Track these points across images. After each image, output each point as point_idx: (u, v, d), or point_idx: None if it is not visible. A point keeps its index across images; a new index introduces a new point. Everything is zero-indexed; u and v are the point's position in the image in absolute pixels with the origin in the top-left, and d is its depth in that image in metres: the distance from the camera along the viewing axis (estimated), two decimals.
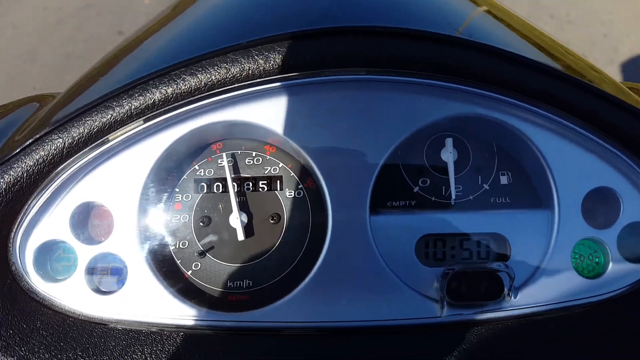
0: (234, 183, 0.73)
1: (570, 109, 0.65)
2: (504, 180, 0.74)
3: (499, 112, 0.69)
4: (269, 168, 0.75)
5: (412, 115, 0.69)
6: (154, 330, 0.68)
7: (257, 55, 0.64)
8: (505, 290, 0.63)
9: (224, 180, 0.74)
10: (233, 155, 0.75)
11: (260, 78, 0.65)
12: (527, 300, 0.67)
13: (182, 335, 0.68)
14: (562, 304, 0.67)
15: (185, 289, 0.71)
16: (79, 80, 0.77)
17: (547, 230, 0.69)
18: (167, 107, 0.65)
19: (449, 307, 0.65)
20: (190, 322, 0.69)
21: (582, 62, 0.80)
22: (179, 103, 0.65)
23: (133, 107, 0.64)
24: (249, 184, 0.74)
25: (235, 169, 0.74)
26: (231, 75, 0.63)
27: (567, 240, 0.69)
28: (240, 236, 0.71)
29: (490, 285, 0.62)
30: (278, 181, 0.74)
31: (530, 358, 0.63)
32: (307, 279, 0.68)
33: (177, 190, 0.74)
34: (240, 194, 0.73)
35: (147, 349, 0.66)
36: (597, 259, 0.71)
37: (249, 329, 0.68)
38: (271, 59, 0.63)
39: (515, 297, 0.66)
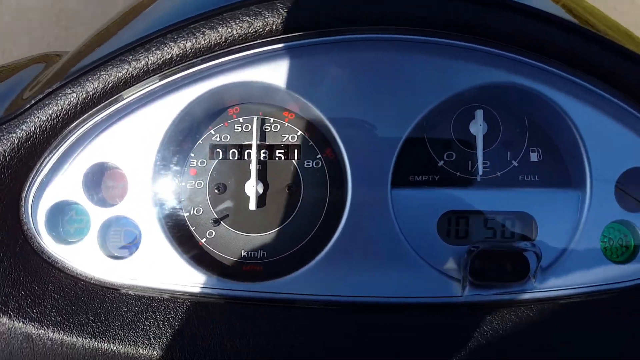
0: (249, 151, 0.71)
1: (612, 81, 0.61)
2: (534, 157, 0.70)
3: (535, 81, 0.64)
4: (287, 136, 0.72)
5: (442, 82, 0.65)
6: (167, 297, 0.67)
7: (281, 9, 0.60)
8: (532, 271, 0.60)
9: (239, 147, 0.72)
10: (250, 121, 0.72)
11: (284, 34, 0.61)
12: (552, 283, 0.64)
13: (194, 303, 0.66)
14: (589, 288, 0.64)
15: (199, 257, 0.70)
16: (91, 37, 0.74)
17: (576, 211, 0.66)
18: (185, 64, 0.62)
19: (470, 287, 0.63)
20: (203, 290, 0.67)
21: (627, 32, 0.75)
22: (198, 59, 0.61)
23: (150, 62, 0.61)
24: (265, 152, 0.71)
25: (251, 135, 0.71)
26: (254, 29, 0.60)
27: (597, 223, 0.65)
28: (252, 205, 0.69)
29: (515, 266, 0.60)
30: (296, 150, 0.72)
31: (554, 344, 0.61)
32: (323, 252, 0.66)
33: (192, 155, 0.71)
34: (256, 162, 0.71)
35: (159, 315, 0.65)
36: (627, 243, 0.68)
37: (262, 300, 0.66)
38: (296, 13, 0.59)
39: (540, 280, 0.63)
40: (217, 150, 0.72)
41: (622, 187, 0.66)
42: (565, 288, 0.64)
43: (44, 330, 0.63)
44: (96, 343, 0.63)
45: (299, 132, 0.72)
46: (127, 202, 0.68)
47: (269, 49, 0.63)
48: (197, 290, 0.67)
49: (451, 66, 0.65)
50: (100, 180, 0.70)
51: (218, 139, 0.72)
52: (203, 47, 0.61)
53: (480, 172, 0.69)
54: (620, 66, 0.61)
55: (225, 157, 0.72)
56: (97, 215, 0.69)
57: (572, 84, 0.64)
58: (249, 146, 0.71)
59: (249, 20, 0.59)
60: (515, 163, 0.71)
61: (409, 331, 0.63)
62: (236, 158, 0.72)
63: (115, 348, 0.63)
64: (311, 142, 0.72)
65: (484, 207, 0.68)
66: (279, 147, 0.72)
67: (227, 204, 0.71)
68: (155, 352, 0.63)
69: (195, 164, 0.71)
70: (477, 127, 0.69)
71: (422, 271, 0.65)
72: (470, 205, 0.68)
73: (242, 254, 0.70)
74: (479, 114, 0.70)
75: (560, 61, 0.63)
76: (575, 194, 0.67)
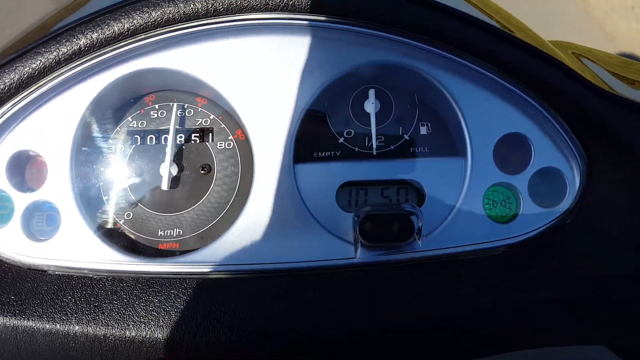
0: (166, 135, 0.76)
1: (484, 57, 0.67)
2: (423, 130, 0.77)
3: (417, 60, 0.71)
4: (200, 120, 0.77)
5: (333, 62, 0.71)
6: (86, 275, 0.71)
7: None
8: (415, 230, 0.65)
9: (156, 133, 0.77)
10: (165, 107, 0.77)
11: (182, 22, 0.67)
12: (440, 243, 0.69)
13: (112, 280, 0.70)
14: (474, 246, 0.69)
15: (118, 237, 0.74)
16: (12, 39, 0.80)
17: (461, 177, 0.72)
18: (94, 53, 0.68)
19: (363, 249, 0.68)
20: (121, 268, 0.71)
21: (512, 19, 0.82)
22: (105, 48, 0.67)
23: (61, 53, 0.67)
24: (181, 136, 0.77)
25: (167, 120, 0.77)
26: (153, 19, 0.66)
27: (480, 186, 0.71)
28: (165, 186, 0.73)
29: (400, 227, 0.65)
30: (210, 133, 0.77)
31: (443, 296, 0.66)
32: (232, 226, 0.71)
33: (110, 141, 0.76)
34: (172, 145, 0.76)
35: (77, 292, 0.69)
36: (509, 205, 0.74)
37: (176, 274, 0.71)
38: (190, 2, 0.66)
39: (428, 241, 0.68)
40: (135, 136, 0.77)
41: (501, 152, 0.72)
42: (452, 247, 0.69)
43: None
44: (16, 321, 0.66)
45: (212, 116, 0.77)
46: (48, 187, 0.72)
47: (171, 36, 0.69)
48: (115, 267, 0.71)
49: (342, 48, 0.72)
50: (22, 167, 0.75)
51: (135, 125, 0.77)
52: (108, 37, 0.67)
53: (375, 146, 0.75)
54: (491, 43, 0.68)
55: (143, 142, 0.77)
56: (20, 201, 0.73)
57: (450, 62, 0.70)
58: (165, 131, 0.76)
59: (147, 10, 0.65)
60: (406, 137, 0.77)
61: (311, 292, 0.67)
62: (153, 143, 0.77)
63: (34, 324, 0.66)
64: (223, 125, 0.77)
65: (380, 177, 0.73)
66: (194, 130, 0.77)
67: (144, 186, 0.76)
68: (71, 327, 0.66)
69: (113, 150, 0.76)
70: (370, 106, 0.76)
71: (324, 238, 0.70)
72: (367, 176, 0.73)
73: (159, 233, 0.75)
74: (372, 93, 0.76)
75: (439, 41, 0.69)
76: (460, 161, 0.73)
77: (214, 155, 0.76)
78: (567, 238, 0.69)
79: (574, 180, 0.72)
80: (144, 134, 0.77)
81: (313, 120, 0.75)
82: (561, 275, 0.68)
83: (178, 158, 0.76)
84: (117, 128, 0.77)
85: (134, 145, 0.76)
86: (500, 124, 0.72)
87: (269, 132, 0.72)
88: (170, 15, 0.65)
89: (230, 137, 0.77)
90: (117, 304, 0.68)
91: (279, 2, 0.66)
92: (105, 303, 0.67)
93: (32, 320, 0.67)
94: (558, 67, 0.65)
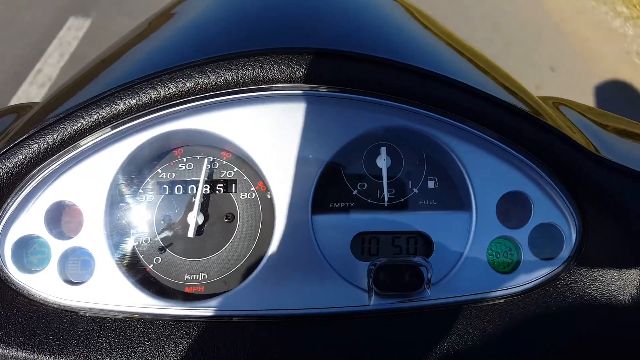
0: (193, 185, 0.82)
1: (493, 127, 0.74)
2: (431, 184, 0.83)
3: (426, 125, 0.78)
4: (225, 172, 0.83)
5: (349, 127, 0.78)
6: (118, 317, 0.76)
7: (209, 72, 0.73)
8: (425, 280, 0.71)
9: (184, 183, 0.83)
10: (192, 160, 0.83)
11: (213, 91, 0.74)
12: (447, 292, 0.75)
13: (142, 322, 0.76)
14: (478, 295, 0.75)
15: (147, 281, 0.80)
16: (54, 93, 0.86)
17: (466, 230, 0.78)
18: (131, 116, 0.74)
19: (376, 297, 0.74)
20: (150, 311, 0.77)
21: (510, 80, 0.89)
22: (141, 113, 0.74)
23: (100, 116, 0.73)
24: (206, 187, 0.83)
25: (194, 172, 0.83)
26: (187, 88, 0.72)
27: (484, 238, 0.77)
28: (191, 233, 0.79)
29: (411, 277, 0.71)
30: (233, 184, 0.83)
31: (447, 340, 0.72)
32: (254, 272, 0.77)
33: (140, 191, 0.82)
34: (201, 194, 0.82)
35: (110, 334, 0.75)
36: (511, 256, 0.80)
37: (202, 317, 0.76)
38: (222, 75, 0.72)
39: (436, 290, 0.74)
40: (164, 186, 0.83)
41: (504, 208, 0.79)
42: (458, 296, 0.75)
43: (9, 349, 0.72)
44: (54, 359, 0.72)
45: (235, 169, 0.83)
46: (83, 234, 0.78)
47: (203, 103, 0.76)
48: (145, 310, 0.77)
49: (356, 114, 0.78)
50: (59, 216, 0.81)
51: (164, 176, 0.83)
52: (145, 103, 0.73)
53: (387, 199, 0.81)
54: (503, 117, 0.75)
55: (171, 192, 0.83)
56: (57, 247, 0.79)
57: (456, 128, 0.77)
58: (192, 182, 0.83)
59: (182, 81, 0.72)
60: (415, 190, 0.83)
61: (326, 337, 0.73)
62: (181, 193, 0.83)
63: None
64: (245, 177, 0.83)
65: (391, 228, 0.79)
66: (218, 182, 0.83)
67: (172, 233, 0.82)
68: None
69: (143, 199, 0.82)
70: (382, 161, 0.82)
71: (339, 285, 0.76)
72: (379, 227, 0.79)
73: (186, 277, 0.80)
74: (383, 150, 0.83)
75: (452, 113, 0.76)
76: (465, 215, 0.79)
77: (237, 205, 0.82)
78: (561, 290, 0.75)
79: (571, 235, 0.78)
80: (172, 184, 0.83)
81: (329, 175, 0.82)
82: (554, 327, 0.74)
83: (204, 207, 0.82)
84: (148, 179, 0.83)
85: (162, 195, 0.83)
86: (503, 183, 0.78)
87: (289, 185, 0.78)
88: (202, 86, 0.72)
89: (253, 189, 0.83)
90: (148, 344, 0.73)
91: (301, 76, 0.73)
92: (137, 344, 0.73)
93: (69, 358, 0.72)
94: (559, 137, 0.72)
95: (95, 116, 0.74)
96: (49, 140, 0.74)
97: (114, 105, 0.73)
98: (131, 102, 0.73)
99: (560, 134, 0.72)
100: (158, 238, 0.81)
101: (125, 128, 0.76)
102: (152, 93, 0.72)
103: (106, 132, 0.75)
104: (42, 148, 0.74)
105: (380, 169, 0.82)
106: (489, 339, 0.72)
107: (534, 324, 0.73)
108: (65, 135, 0.74)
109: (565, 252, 0.78)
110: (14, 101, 3.01)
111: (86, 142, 0.76)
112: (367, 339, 0.71)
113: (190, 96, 0.73)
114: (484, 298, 0.75)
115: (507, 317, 0.73)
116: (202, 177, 0.81)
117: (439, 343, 0.71)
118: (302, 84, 0.76)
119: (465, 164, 0.77)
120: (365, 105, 0.78)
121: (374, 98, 0.76)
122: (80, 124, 0.74)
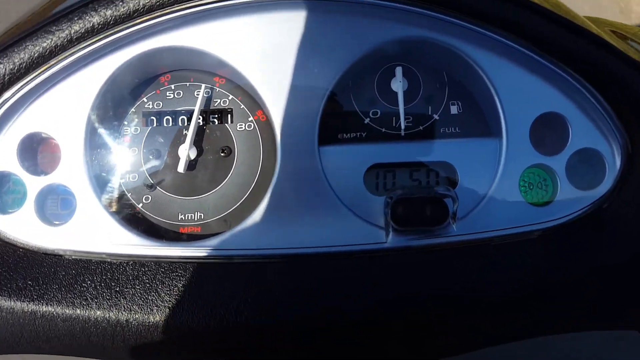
0: (184, 117, 0.73)
1: (519, 32, 0.64)
2: (454, 109, 0.73)
3: (447, 35, 0.67)
4: (219, 101, 0.74)
5: (360, 39, 0.68)
6: (104, 259, 0.68)
7: None
8: (450, 214, 0.63)
9: (173, 114, 0.74)
10: (181, 88, 0.74)
11: None
12: (474, 227, 0.67)
13: (132, 264, 0.68)
14: (510, 230, 0.67)
15: (136, 221, 0.72)
16: (21, 17, 0.76)
17: (495, 159, 0.69)
18: (108, 32, 0.64)
19: (394, 233, 0.65)
20: (141, 252, 0.69)
21: None
22: (120, 26, 0.64)
23: (73, 31, 0.63)
24: (199, 118, 0.73)
25: (184, 101, 0.73)
26: None
27: (515, 168, 0.68)
28: (181, 168, 0.70)
29: (434, 210, 0.62)
30: (229, 114, 0.74)
31: (475, 283, 0.64)
32: (256, 210, 0.68)
33: (125, 122, 0.73)
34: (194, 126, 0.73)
35: (97, 277, 0.67)
36: (546, 187, 0.71)
37: (199, 258, 0.68)
38: None
39: (462, 224, 0.66)
40: (151, 117, 0.74)
41: (538, 132, 0.69)
42: (487, 231, 0.66)
43: None
44: (34, 306, 0.65)
45: (230, 97, 0.74)
46: (62, 170, 0.69)
47: (190, 12, 0.65)
48: (135, 252, 0.69)
49: (367, 24, 0.68)
50: (34, 150, 0.72)
51: (151, 106, 0.74)
52: (123, 14, 0.63)
53: (403, 127, 0.72)
54: (526, 18, 0.64)
55: (159, 124, 0.73)
56: (33, 185, 0.70)
57: (483, 37, 0.67)
58: (182, 112, 0.73)
59: None
60: (436, 116, 0.73)
61: (339, 277, 0.65)
62: (170, 124, 0.73)
63: (53, 310, 0.65)
64: (242, 106, 0.74)
65: (409, 159, 0.70)
66: (212, 112, 0.74)
67: (163, 169, 0.73)
68: (92, 312, 0.65)
69: (128, 132, 0.73)
70: (398, 84, 0.72)
71: (351, 222, 0.67)
72: (396, 158, 0.70)
73: (180, 216, 0.72)
74: (399, 71, 0.72)
75: (470, 16, 0.65)
76: (494, 142, 0.70)
77: (234, 138, 0.73)
78: (605, 222, 0.67)
79: (614, 162, 0.69)
80: (159, 115, 0.74)
81: (337, 100, 0.72)
82: (596, 260, 0.66)
83: (197, 140, 0.73)
84: (132, 109, 0.73)
85: (150, 127, 0.73)
86: (537, 104, 0.68)
87: (292, 113, 0.69)
88: None
89: (251, 119, 0.73)
90: (139, 288, 0.66)
91: None
92: (127, 288, 0.65)
93: (51, 305, 0.65)
94: (604, 47, 0.62)
95: (67, 31, 0.63)
96: (16, 61, 0.64)
97: (87, 17, 0.63)
98: (107, 14, 0.63)
99: (602, 41, 0.61)
100: (146, 174, 0.72)
101: (102, 45, 0.65)
102: (130, 2, 0.62)
103: (81, 50, 0.65)
104: (7, 70, 0.64)
105: (396, 93, 0.72)
106: (522, 276, 0.64)
107: (570, 262, 0.65)
108: (34, 54, 0.64)
109: (608, 181, 0.69)
110: None
111: (58, 62, 0.66)
112: (386, 278, 0.63)
113: (173, 5, 0.63)
114: (516, 233, 0.66)
115: (541, 254, 0.65)
116: (198, 106, 0.71)
117: (464, 283, 0.63)
118: None
119: (494, 81, 0.67)
120: (378, 12, 0.67)
121: (387, 2, 0.65)
122: (50, 40, 0.64)
